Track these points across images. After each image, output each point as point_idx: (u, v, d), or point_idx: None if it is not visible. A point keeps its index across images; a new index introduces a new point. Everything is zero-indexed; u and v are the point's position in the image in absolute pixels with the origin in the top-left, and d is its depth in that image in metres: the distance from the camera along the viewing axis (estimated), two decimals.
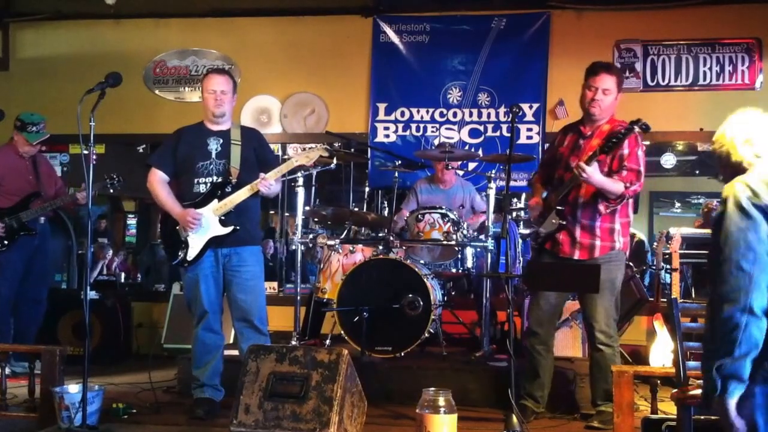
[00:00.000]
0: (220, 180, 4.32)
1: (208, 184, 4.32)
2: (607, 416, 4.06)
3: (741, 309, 2.16)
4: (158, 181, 4.36)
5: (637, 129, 3.89)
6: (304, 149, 4.52)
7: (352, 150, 5.57)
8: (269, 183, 4.27)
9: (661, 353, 5.12)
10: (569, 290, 4.40)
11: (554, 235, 4.18)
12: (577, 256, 4.15)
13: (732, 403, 2.23)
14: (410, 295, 4.86)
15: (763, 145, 2.35)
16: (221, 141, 4.38)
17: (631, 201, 4.22)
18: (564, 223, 4.12)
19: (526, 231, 5.33)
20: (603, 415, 4.10)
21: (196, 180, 4.33)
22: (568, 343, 5.10)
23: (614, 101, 4.15)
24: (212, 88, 4.35)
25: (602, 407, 4.13)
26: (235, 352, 4.56)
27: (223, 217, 4.29)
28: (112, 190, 5.34)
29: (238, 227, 4.30)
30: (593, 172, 3.91)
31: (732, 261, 2.17)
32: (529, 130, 6.53)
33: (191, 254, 4.28)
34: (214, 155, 4.35)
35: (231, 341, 5.37)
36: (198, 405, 4.28)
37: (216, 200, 4.29)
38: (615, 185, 4.00)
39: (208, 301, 4.32)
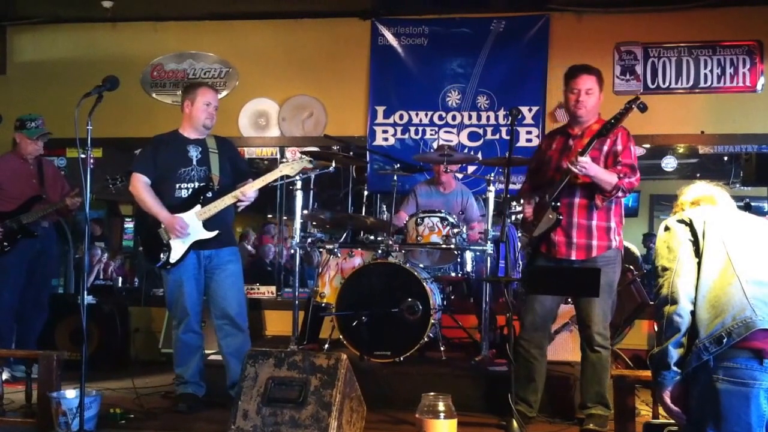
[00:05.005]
0: (202, 185, 4.55)
1: (190, 189, 4.54)
2: (600, 419, 4.05)
3: (664, 300, 2.49)
4: (143, 185, 4.53)
5: (635, 107, 3.92)
6: (297, 155, 4.72)
7: (351, 153, 5.55)
8: (252, 195, 4.52)
9: None
10: (569, 294, 4.36)
11: (550, 235, 4.14)
12: (574, 256, 4.11)
13: (666, 390, 2.49)
14: (409, 300, 4.83)
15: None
16: (200, 149, 4.61)
17: (622, 202, 4.24)
18: (561, 217, 4.08)
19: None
20: (596, 418, 4.07)
21: (177, 185, 4.54)
22: (567, 348, 5.06)
23: (598, 100, 4.20)
24: (209, 101, 4.62)
25: (592, 410, 4.11)
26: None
27: (206, 222, 4.49)
28: (114, 191, 5.31)
29: (220, 231, 4.53)
30: (590, 163, 3.92)
31: (659, 267, 2.56)
32: (529, 133, 6.51)
33: (174, 257, 4.49)
34: (194, 162, 4.57)
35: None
36: (181, 400, 4.53)
37: (199, 205, 4.51)
38: (609, 176, 4.01)
39: (191, 303, 4.54)
